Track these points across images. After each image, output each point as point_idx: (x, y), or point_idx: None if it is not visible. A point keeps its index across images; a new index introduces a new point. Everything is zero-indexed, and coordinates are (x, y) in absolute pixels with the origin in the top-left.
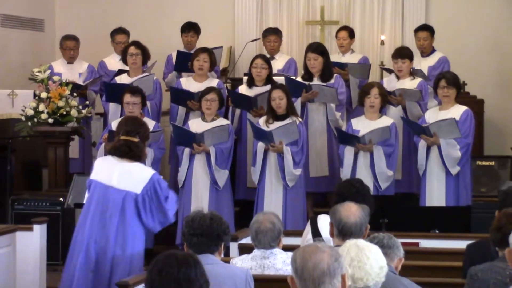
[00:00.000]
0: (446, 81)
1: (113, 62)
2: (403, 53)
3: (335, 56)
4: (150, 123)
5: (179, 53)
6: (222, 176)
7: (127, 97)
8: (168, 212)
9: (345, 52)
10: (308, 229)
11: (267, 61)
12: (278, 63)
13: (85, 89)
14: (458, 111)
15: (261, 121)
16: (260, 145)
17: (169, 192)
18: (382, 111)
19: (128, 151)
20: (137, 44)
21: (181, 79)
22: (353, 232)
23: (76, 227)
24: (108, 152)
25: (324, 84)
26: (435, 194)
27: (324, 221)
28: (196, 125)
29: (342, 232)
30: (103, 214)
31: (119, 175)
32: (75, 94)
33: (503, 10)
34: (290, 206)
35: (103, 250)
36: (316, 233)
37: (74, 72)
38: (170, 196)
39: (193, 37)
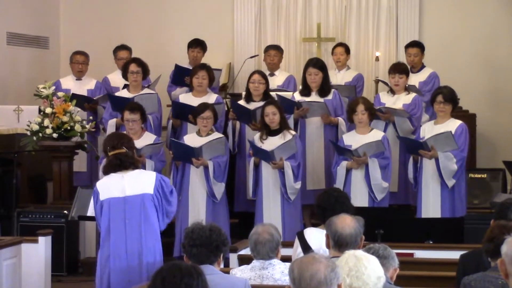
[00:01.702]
0: (443, 96)
1: (117, 78)
2: (401, 68)
3: (331, 72)
4: (151, 137)
5: (177, 67)
6: (219, 188)
7: (126, 114)
8: (173, 206)
9: (341, 69)
10: (297, 244)
11: (264, 76)
12: (278, 79)
13: (95, 103)
14: (453, 125)
15: (256, 138)
16: (251, 161)
17: (171, 187)
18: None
19: (120, 163)
20: (137, 61)
21: (180, 95)
22: (348, 243)
23: (100, 247)
24: (105, 173)
25: (316, 101)
26: (431, 206)
27: (311, 234)
28: (192, 140)
29: (338, 243)
30: (129, 222)
31: (130, 184)
32: (82, 108)
33: (494, 26)
34: (288, 218)
35: (136, 256)
36: (305, 247)
37: (83, 88)
38: (173, 190)
39: (199, 52)
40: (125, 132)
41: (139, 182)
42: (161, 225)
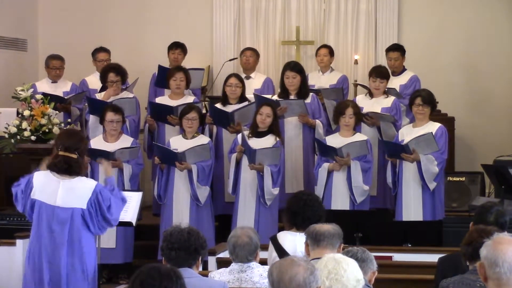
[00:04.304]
0: (422, 99)
1: (95, 80)
2: (382, 73)
3: (315, 75)
4: (128, 140)
5: (160, 68)
6: (203, 192)
7: (111, 115)
8: (111, 221)
9: (325, 71)
10: (271, 248)
11: (241, 79)
12: (255, 82)
13: (68, 104)
14: (432, 127)
15: (245, 133)
16: (233, 158)
17: (110, 200)
18: (356, 128)
19: (67, 168)
20: (116, 70)
21: (156, 98)
22: (326, 237)
23: (27, 251)
24: (47, 167)
25: (294, 99)
26: (412, 209)
27: (284, 238)
28: (177, 142)
29: (316, 238)
30: (52, 234)
31: (63, 194)
32: (57, 110)
33: (473, 30)
34: (262, 222)
35: (57, 270)
36: (280, 251)
37: (59, 90)
38: (112, 204)
39: (180, 55)
40: (105, 132)
41: (73, 193)
42: (97, 231)
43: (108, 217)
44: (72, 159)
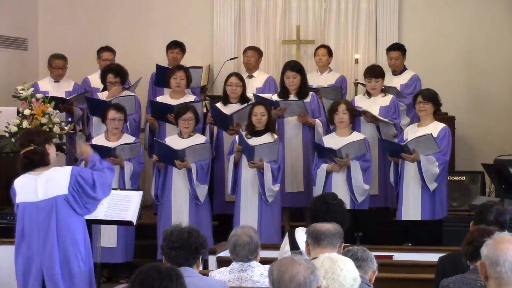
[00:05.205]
0: (422, 96)
1: (97, 79)
2: (377, 72)
3: (313, 75)
4: (130, 139)
5: (158, 67)
6: (203, 190)
7: (113, 113)
8: (98, 197)
9: (323, 71)
10: (286, 241)
11: (241, 79)
12: (257, 81)
13: (71, 105)
14: (436, 128)
15: (243, 134)
16: (231, 158)
17: (93, 177)
18: (354, 126)
19: (30, 162)
20: (115, 71)
21: (157, 98)
22: (327, 236)
23: (15, 254)
24: (20, 173)
25: (293, 99)
26: (411, 209)
27: (301, 234)
28: (173, 141)
29: (317, 238)
30: (40, 232)
31: (42, 187)
32: (59, 110)
33: (474, 29)
34: (265, 220)
35: (51, 268)
36: (294, 246)
37: (61, 90)
38: (96, 180)
39: (179, 54)
40: (107, 130)
41: (52, 183)
42: (85, 212)
43: (93, 195)
44: (30, 151)
